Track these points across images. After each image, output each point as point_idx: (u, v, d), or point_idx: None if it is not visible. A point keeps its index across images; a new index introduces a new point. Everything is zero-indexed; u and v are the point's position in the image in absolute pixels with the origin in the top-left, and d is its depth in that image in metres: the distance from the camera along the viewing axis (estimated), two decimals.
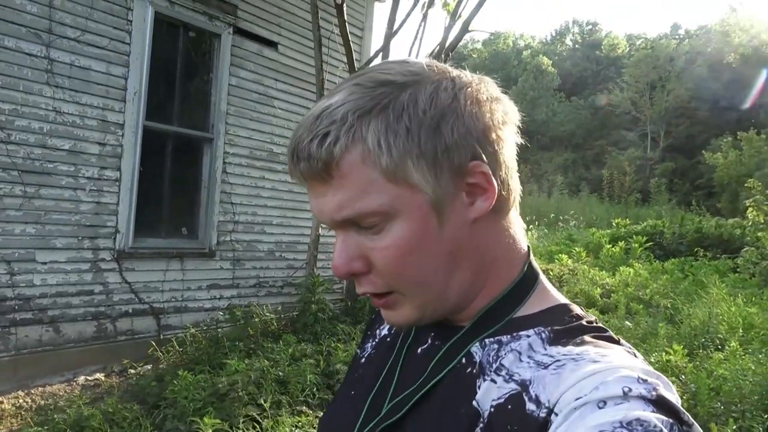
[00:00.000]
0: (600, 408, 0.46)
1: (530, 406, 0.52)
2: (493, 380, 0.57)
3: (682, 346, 4.81)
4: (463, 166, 0.58)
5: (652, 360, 4.56)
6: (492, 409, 0.55)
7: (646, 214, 18.31)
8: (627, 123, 43.09)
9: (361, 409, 0.67)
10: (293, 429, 3.44)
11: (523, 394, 0.53)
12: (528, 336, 0.59)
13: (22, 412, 4.01)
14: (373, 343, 0.80)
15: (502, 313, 0.62)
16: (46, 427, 3.39)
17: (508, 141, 0.62)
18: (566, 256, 9.74)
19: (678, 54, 42.72)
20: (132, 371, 4.75)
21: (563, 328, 0.58)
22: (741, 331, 5.42)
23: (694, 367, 4.48)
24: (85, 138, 4.47)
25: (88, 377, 4.55)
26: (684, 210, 22.35)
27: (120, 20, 4.64)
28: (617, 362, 0.51)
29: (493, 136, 0.60)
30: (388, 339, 0.77)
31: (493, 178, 0.59)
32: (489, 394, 0.56)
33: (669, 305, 6.45)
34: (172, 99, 5.20)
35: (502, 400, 0.55)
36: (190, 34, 5.25)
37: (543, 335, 0.58)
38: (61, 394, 4.30)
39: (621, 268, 8.73)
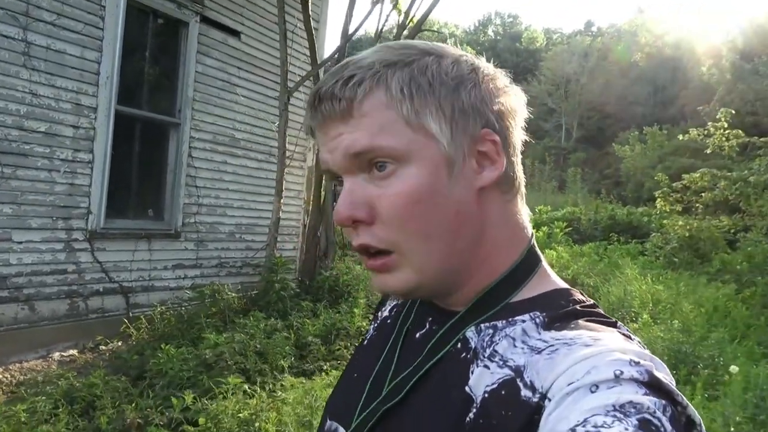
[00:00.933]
0: (592, 392, 0.46)
1: (525, 393, 0.52)
2: (486, 366, 0.57)
3: None
4: (477, 132, 0.59)
5: None
6: (486, 395, 0.55)
7: (562, 201, 19.63)
8: (543, 114, 45.14)
9: (362, 391, 0.68)
10: (299, 385, 3.81)
11: (517, 380, 0.54)
12: (523, 321, 0.59)
13: (3, 387, 4.14)
14: (375, 325, 0.81)
15: (498, 297, 0.62)
16: (42, 397, 3.57)
17: (517, 128, 0.64)
18: None
19: (592, 50, 45.18)
20: (103, 347, 4.93)
21: (558, 313, 0.59)
22: (651, 305, 6.28)
23: None
24: (60, 121, 4.56)
25: (62, 353, 4.69)
26: (594, 198, 24.06)
27: (94, 5, 4.72)
28: (610, 346, 0.51)
29: (506, 117, 0.62)
30: (389, 321, 0.78)
31: (503, 152, 0.61)
32: (482, 379, 0.56)
33: (591, 284, 7.27)
34: (142, 84, 5.33)
35: (495, 386, 0.55)
36: (160, 21, 5.38)
37: (537, 320, 0.59)
38: (38, 369, 4.43)
39: (546, 251, 9.57)
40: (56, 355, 4.65)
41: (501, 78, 0.63)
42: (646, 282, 7.09)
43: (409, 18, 6.44)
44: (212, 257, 6.05)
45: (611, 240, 10.86)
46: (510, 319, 0.60)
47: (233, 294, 5.77)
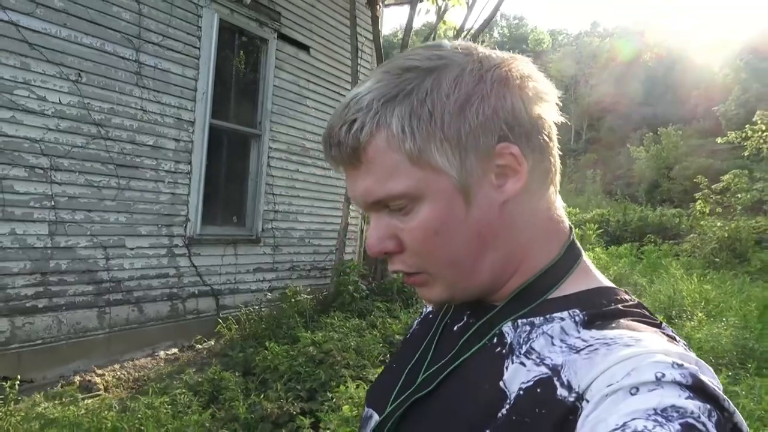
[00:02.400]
0: (632, 394, 0.45)
1: (561, 392, 0.51)
2: (522, 363, 0.57)
3: (662, 317, 5.87)
4: (491, 149, 0.58)
5: None
6: (521, 392, 0.54)
7: (582, 203, 19.89)
8: None
9: (398, 380, 0.69)
10: None
11: (554, 379, 0.53)
12: (562, 319, 0.58)
13: (122, 383, 4.46)
14: (419, 320, 0.83)
15: (536, 293, 0.62)
16: (179, 390, 3.89)
17: (542, 118, 0.61)
18: None
19: (600, 51, 45.41)
20: (199, 346, 5.26)
21: (599, 312, 0.57)
22: (702, 304, 6.57)
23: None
24: (164, 134, 4.90)
25: (166, 351, 5.02)
26: (607, 198, 24.34)
27: (192, 26, 5.06)
28: (652, 347, 0.49)
29: (524, 114, 0.59)
30: (431, 316, 0.79)
31: (524, 159, 0.59)
32: (517, 376, 0.56)
33: (643, 283, 7.57)
34: (229, 98, 5.67)
35: (531, 383, 0.54)
36: (244, 39, 5.71)
37: (577, 318, 0.58)
38: (149, 366, 4.76)
39: (587, 251, 9.86)
40: (161, 353, 4.98)
41: (516, 68, 0.60)
42: (692, 281, 7.38)
43: (456, 28, 6.76)
44: (286, 261, 6.38)
45: (644, 241, 11.15)
46: (548, 316, 0.59)
47: (307, 296, 6.10)
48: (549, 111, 0.62)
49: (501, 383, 0.56)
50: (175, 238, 5.08)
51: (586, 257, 0.66)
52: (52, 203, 4.13)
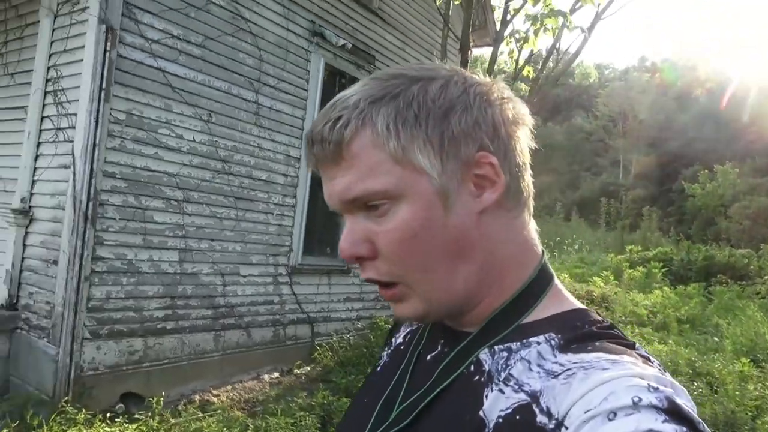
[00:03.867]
0: (610, 420, 0.44)
1: (541, 419, 0.51)
2: (501, 390, 0.56)
3: (748, 360, 5.84)
4: (471, 157, 0.58)
5: (726, 371, 5.56)
6: (500, 420, 0.54)
7: (638, 239, 19.63)
8: (600, 150, 44.95)
9: (370, 415, 0.67)
10: None
11: (533, 405, 0.52)
12: (538, 343, 0.58)
13: (236, 404, 4.72)
14: (389, 351, 0.80)
15: (511, 318, 0.61)
16: (304, 413, 4.11)
17: (520, 140, 0.62)
18: (599, 278, 10.79)
19: (650, 86, 45.02)
20: (297, 371, 5.50)
21: (575, 335, 0.57)
22: None
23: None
24: (275, 170, 5.24)
25: (270, 375, 5.28)
26: (660, 236, 23.89)
27: (302, 70, 5.45)
28: (628, 370, 0.49)
29: (503, 131, 0.60)
30: (402, 347, 0.77)
31: (502, 172, 0.59)
32: (497, 404, 0.55)
33: (722, 324, 7.51)
34: None
35: (509, 411, 0.54)
36: (344, 81, 6.07)
37: (553, 342, 0.57)
38: (257, 389, 5.02)
39: (655, 291, 9.81)
40: (266, 376, 5.23)
41: (496, 89, 0.62)
42: None
43: (530, 71, 6.98)
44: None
45: (712, 282, 11.00)
46: (525, 341, 0.58)
47: (388, 326, 6.30)
48: (525, 135, 0.63)
49: (481, 412, 0.55)
50: (280, 267, 5.38)
51: (558, 280, 0.66)
52: (183, 232, 4.48)
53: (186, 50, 4.42)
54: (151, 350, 4.32)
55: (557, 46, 6.90)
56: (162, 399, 3.81)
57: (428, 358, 0.68)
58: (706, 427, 0.45)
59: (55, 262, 3.90)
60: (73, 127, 3.91)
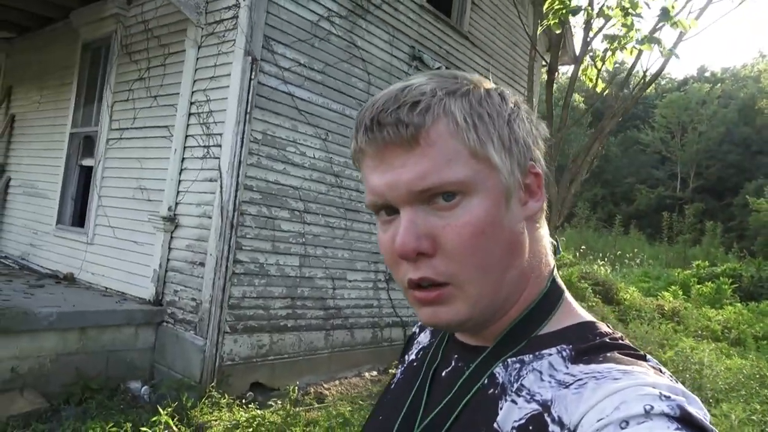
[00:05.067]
0: (622, 428, 0.45)
1: (553, 428, 0.51)
2: (513, 401, 0.56)
3: None
4: (525, 165, 0.61)
5: None
6: (513, 431, 0.54)
7: (700, 254, 19.32)
8: (655, 162, 43.94)
9: None
10: None
11: (545, 415, 0.53)
12: (550, 354, 0.58)
13: (344, 397, 5.16)
14: (402, 368, 0.80)
15: (525, 331, 0.62)
16: None
17: (542, 158, 0.65)
18: (667, 293, 10.84)
19: (710, 98, 43.82)
20: (392, 371, 5.92)
21: (586, 346, 0.58)
22: None
23: None
24: None
25: (370, 373, 5.72)
26: (723, 251, 23.34)
27: None
28: (640, 380, 0.49)
29: (540, 146, 0.64)
30: (415, 363, 0.77)
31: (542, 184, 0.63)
32: (510, 415, 0.56)
33: None
34: None
35: (523, 421, 0.54)
36: None
37: (564, 353, 0.58)
38: (360, 385, 5.46)
39: (726, 306, 9.82)
40: (366, 374, 5.67)
41: (528, 111, 0.65)
42: None
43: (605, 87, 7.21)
44: None
45: None
46: (537, 353, 0.59)
47: None
48: (541, 154, 0.65)
49: (495, 424, 0.56)
50: (379, 273, 5.83)
51: (567, 292, 0.67)
52: (303, 240, 4.97)
53: (310, 76, 4.92)
54: (275, 345, 4.81)
55: (640, 65, 7.13)
56: (293, 389, 4.28)
57: (443, 374, 0.68)
58: None
59: (201, 264, 4.44)
60: (219, 146, 4.45)
